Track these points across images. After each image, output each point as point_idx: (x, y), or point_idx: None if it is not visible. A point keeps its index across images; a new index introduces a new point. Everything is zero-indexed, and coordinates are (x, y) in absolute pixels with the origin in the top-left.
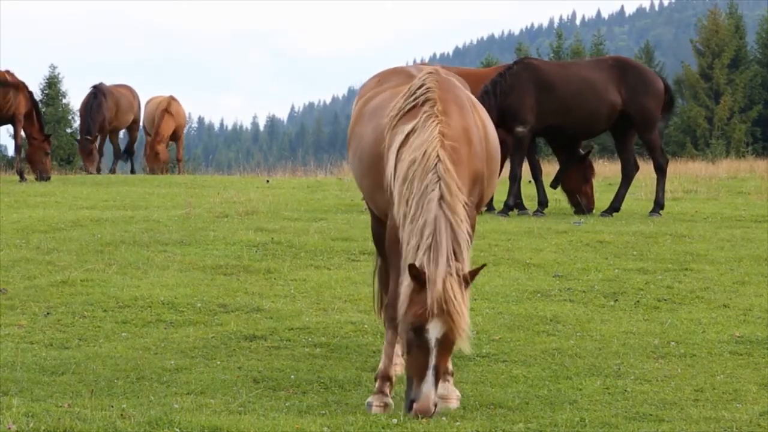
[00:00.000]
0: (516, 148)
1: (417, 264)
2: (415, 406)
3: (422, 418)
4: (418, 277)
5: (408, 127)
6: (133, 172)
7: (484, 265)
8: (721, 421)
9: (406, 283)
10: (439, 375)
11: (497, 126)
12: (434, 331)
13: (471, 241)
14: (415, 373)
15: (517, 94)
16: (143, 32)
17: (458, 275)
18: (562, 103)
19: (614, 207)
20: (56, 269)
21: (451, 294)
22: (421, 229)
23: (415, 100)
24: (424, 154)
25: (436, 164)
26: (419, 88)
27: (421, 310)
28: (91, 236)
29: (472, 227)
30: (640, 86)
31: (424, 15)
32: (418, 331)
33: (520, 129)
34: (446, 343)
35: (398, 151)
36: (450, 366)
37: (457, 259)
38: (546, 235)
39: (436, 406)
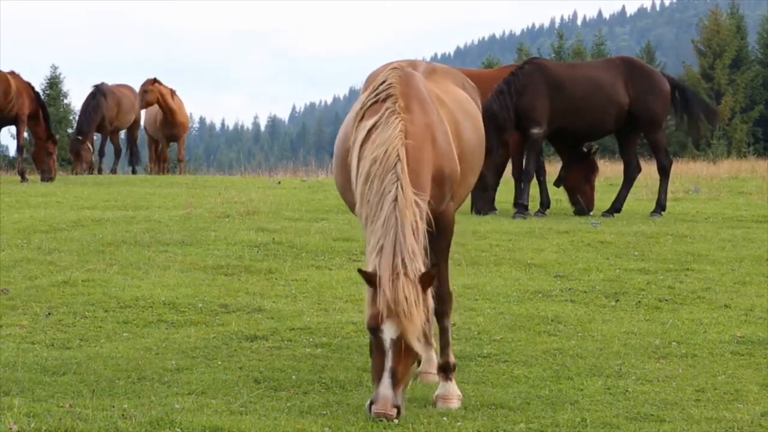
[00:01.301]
0: (530, 150)
1: (371, 266)
2: (373, 408)
3: (392, 419)
4: (371, 279)
5: (369, 123)
6: (134, 172)
7: (435, 265)
8: (723, 422)
9: (366, 287)
10: (399, 377)
11: (515, 127)
12: (388, 332)
13: (448, 233)
14: (375, 376)
15: (530, 95)
16: (143, 32)
17: (413, 276)
18: (573, 104)
19: (615, 207)
20: (57, 269)
21: (402, 295)
22: (377, 230)
23: (377, 95)
24: (385, 152)
25: (395, 164)
26: (381, 83)
27: (375, 311)
28: (92, 236)
29: (449, 224)
30: (647, 87)
31: (424, 15)
32: (374, 332)
33: (535, 130)
34: (401, 345)
35: (360, 147)
36: (452, 360)
37: (411, 260)
38: (547, 236)
39: (398, 409)
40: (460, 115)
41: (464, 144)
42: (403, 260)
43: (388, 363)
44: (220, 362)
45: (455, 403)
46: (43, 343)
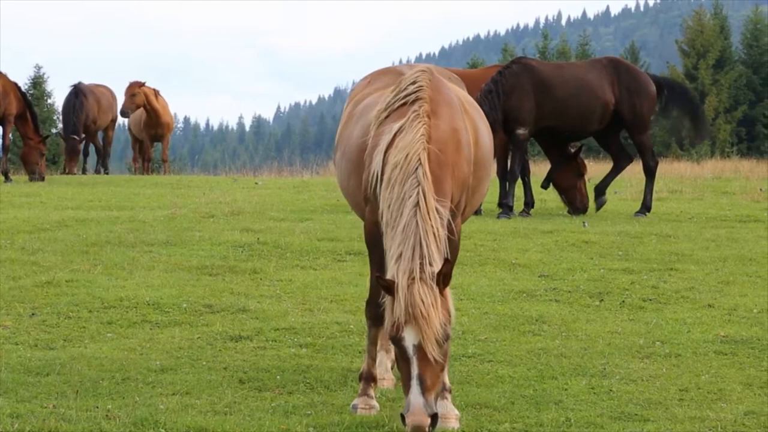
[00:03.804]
0: (515, 150)
1: (390, 274)
2: (407, 419)
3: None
4: (388, 287)
5: (396, 126)
6: (106, 172)
7: (447, 260)
8: (706, 421)
9: (386, 296)
10: (428, 384)
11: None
12: (409, 338)
13: (455, 249)
14: (404, 386)
15: (517, 95)
16: (128, 32)
17: (429, 281)
18: (560, 104)
19: (600, 189)
20: (41, 270)
21: (418, 299)
22: (397, 236)
23: (405, 97)
24: (406, 157)
25: (416, 168)
26: (411, 84)
27: (394, 320)
28: (76, 237)
29: (457, 240)
30: (634, 87)
31: (409, 15)
32: (396, 341)
33: (521, 131)
34: (424, 350)
35: (385, 152)
36: (448, 382)
37: (430, 266)
38: (532, 236)
39: (434, 418)
40: (478, 120)
41: (480, 153)
42: (421, 265)
43: (415, 370)
44: (204, 362)
45: (453, 423)
46: (27, 344)
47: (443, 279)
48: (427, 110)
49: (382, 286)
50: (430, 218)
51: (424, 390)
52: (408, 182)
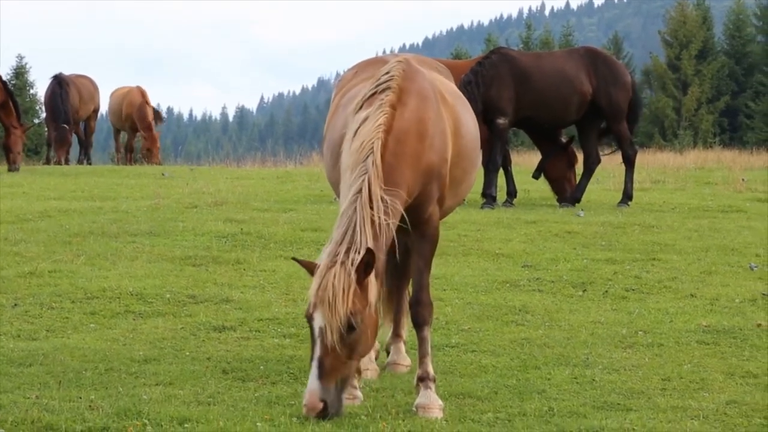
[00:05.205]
0: (496, 140)
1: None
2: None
3: (326, 417)
4: (307, 268)
5: (362, 116)
6: (89, 162)
7: (369, 249)
8: (688, 410)
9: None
10: (326, 369)
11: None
12: (317, 321)
13: (430, 238)
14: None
15: (497, 86)
16: (112, 21)
17: (348, 266)
18: (538, 95)
19: (575, 197)
20: (24, 260)
21: (330, 282)
22: (337, 220)
23: (376, 87)
24: (360, 145)
25: (367, 157)
26: (385, 74)
27: (309, 298)
28: (59, 227)
29: (433, 230)
30: (610, 77)
31: (392, 5)
32: (308, 321)
33: (501, 121)
34: (330, 335)
35: (351, 140)
36: (431, 372)
37: (358, 253)
38: (515, 226)
39: (325, 404)
40: (461, 110)
41: (462, 144)
42: (347, 251)
43: (317, 353)
44: (188, 353)
45: (436, 413)
46: (10, 335)
47: (364, 268)
48: (392, 100)
49: (302, 266)
50: (371, 206)
51: (321, 374)
52: (357, 169)
